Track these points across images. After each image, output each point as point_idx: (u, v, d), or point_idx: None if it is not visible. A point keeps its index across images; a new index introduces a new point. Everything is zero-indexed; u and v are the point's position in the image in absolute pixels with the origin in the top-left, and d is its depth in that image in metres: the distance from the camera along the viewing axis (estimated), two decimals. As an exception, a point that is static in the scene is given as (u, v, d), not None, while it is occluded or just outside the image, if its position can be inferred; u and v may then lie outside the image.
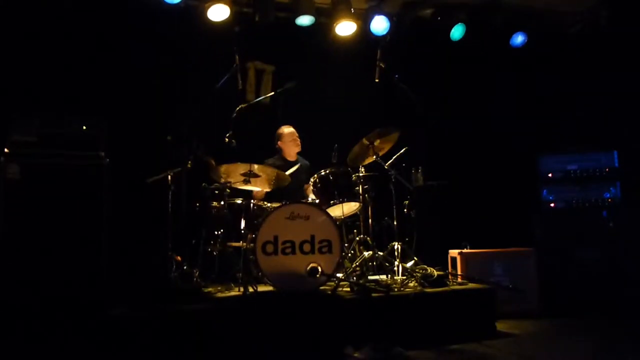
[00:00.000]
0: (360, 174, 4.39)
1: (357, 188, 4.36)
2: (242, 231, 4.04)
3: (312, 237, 3.83)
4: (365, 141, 4.40)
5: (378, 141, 4.44)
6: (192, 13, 5.14)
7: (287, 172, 4.40)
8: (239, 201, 4.21)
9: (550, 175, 5.13)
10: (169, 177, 4.26)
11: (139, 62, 5.11)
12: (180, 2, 4.97)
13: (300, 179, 4.92)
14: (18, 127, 3.46)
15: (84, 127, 3.59)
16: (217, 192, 4.23)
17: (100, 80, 4.96)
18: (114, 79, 5.01)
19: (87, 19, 4.91)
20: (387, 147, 4.54)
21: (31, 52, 4.72)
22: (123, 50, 5.10)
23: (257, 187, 4.32)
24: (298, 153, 5.13)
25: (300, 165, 4.90)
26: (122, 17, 5.04)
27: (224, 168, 3.98)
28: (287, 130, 5.12)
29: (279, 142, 5.13)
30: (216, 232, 4.08)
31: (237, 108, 4.35)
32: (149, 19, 5.08)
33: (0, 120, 3.57)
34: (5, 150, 3.41)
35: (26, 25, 4.75)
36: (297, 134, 5.10)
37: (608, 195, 4.99)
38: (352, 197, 4.35)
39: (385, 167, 4.40)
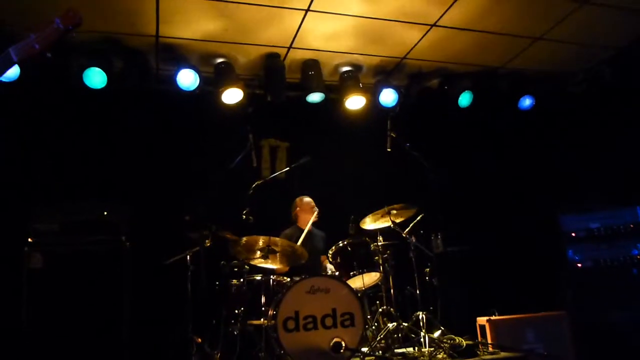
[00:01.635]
0: (379, 243, 4.41)
1: (377, 258, 4.37)
2: (263, 308, 4.02)
3: (334, 310, 3.80)
4: (378, 214, 4.51)
5: (395, 212, 4.51)
6: (208, 98, 5.35)
7: (299, 241, 4.42)
8: (258, 277, 4.21)
9: (573, 234, 5.05)
10: (188, 257, 4.30)
11: (158, 147, 5.30)
12: (196, 89, 5.19)
13: (316, 250, 4.94)
14: (40, 216, 3.60)
15: (105, 213, 3.69)
16: (236, 269, 4.24)
17: (121, 166, 5.12)
18: (134, 164, 5.18)
19: (107, 107, 5.11)
20: (404, 217, 4.60)
21: (52, 142, 4.91)
22: (142, 137, 5.29)
23: (275, 265, 4.29)
24: (314, 224, 5.12)
25: (312, 232, 4.92)
26: (140, 105, 5.25)
27: (244, 240, 4.02)
28: (305, 199, 5.17)
29: (295, 210, 5.17)
30: (236, 311, 4.06)
31: (254, 185, 4.42)
32: (167, 106, 5.31)
33: (24, 210, 3.72)
34: (29, 239, 3.53)
35: (46, 114, 4.93)
36: (314, 203, 5.12)
37: (636, 252, 4.88)
38: (372, 267, 4.35)
39: (404, 235, 4.41)
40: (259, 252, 4.15)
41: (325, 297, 3.83)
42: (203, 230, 4.19)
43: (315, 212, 4.96)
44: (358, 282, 4.33)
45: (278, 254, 4.18)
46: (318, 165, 4.96)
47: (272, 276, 4.21)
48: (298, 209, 5.16)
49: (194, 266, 4.28)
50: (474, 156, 6.08)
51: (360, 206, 4.66)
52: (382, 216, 4.58)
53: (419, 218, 4.58)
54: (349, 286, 3.93)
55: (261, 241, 4.08)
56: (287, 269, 4.65)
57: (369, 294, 4.59)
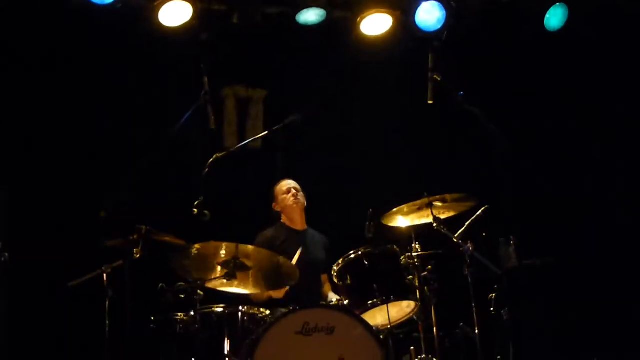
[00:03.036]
0: (415, 254, 4.46)
1: (411, 277, 4.41)
2: (227, 359, 4.06)
3: None
4: (413, 208, 4.61)
5: (439, 204, 4.58)
6: (136, 17, 5.29)
7: (293, 261, 4.51)
8: (219, 309, 4.24)
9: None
10: (105, 276, 4.29)
11: (53, 100, 5.33)
12: (117, 1, 5.15)
13: (314, 264, 5.05)
14: None
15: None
16: (182, 296, 4.18)
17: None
18: (12, 126, 5.22)
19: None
20: (454, 212, 4.67)
21: None
22: (27, 80, 5.33)
23: (247, 289, 4.33)
24: (311, 225, 5.30)
25: (308, 235, 5.12)
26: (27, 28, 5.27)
27: (195, 249, 4.05)
28: (281, 182, 5.33)
29: (275, 204, 5.36)
30: None
31: (211, 159, 4.40)
32: (67, 30, 5.36)
33: None
34: None
35: None
36: (296, 186, 5.29)
37: None
38: (404, 293, 4.41)
39: (455, 241, 4.41)
40: (220, 269, 4.12)
41: (327, 341, 3.84)
42: (129, 233, 4.23)
43: (293, 199, 5.16)
44: (380, 316, 4.37)
45: (251, 271, 4.16)
46: (315, 128, 5.05)
47: (241, 307, 4.24)
48: (276, 196, 5.34)
49: (115, 291, 4.31)
50: (568, 119, 6.07)
51: (383, 195, 4.72)
52: (419, 211, 4.63)
53: (479, 214, 4.57)
54: (365, 323, 3.96)
55: (224, 250, 4.05)
56: (265, 295, 4.73)
57: (399, 336, 4.62)
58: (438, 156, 5.75)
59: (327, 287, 5.09)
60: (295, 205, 5.24)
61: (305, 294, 4.71)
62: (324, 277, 5.10)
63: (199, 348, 4.09)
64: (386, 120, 5.82)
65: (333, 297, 4.69)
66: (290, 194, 5.24)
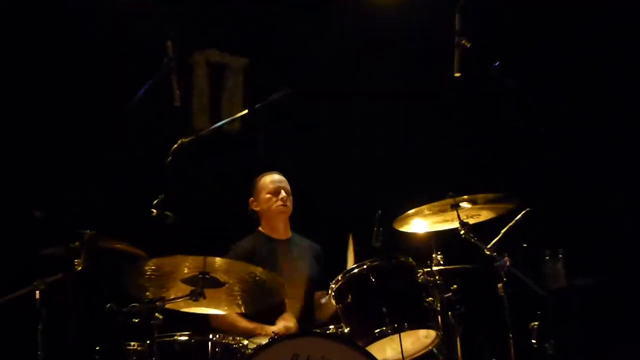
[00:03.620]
0: (436, 268, 4.48)
1: (430, 299, 4.36)
2: None
3: None
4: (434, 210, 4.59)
5: (467, 206, 4.58)
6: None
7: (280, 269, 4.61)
8: (183, 338, 4.22)
9: None
10: (38, 294, 4.21)
11: None
12: None
13: (304, 280, 5.14)
14: None
15: None
16: (136, 320, 4.08)
17: None
18: None
19: None
20: (486, 215, 4.69)
21: None
22: None
23: (219, 310, 4.34)
24: (296, 229, 5.35)
25: (295, 244, 5.24)
26: None
27: (153, 263, 3.95)
28: (265, 177, 5.34)
29: (252, 201, 5.35)
30: None
31: (174, 147, 4.37)
32: None
33: None
34: None
35: None
36: (287, 187, 5.29)
37: None
38: (420, 319, 4.33)
39: (487, 253, 4.35)
40: (184, 286, 4.03)
41: None
42: (70, 239, 4.20)
43: (281, 205, 5.19)
44: (391, 349, 4.32)
45: (224, 288, 4.09)
46: (308, 106, 5.05)
47: (211, 335, 4.23)
48: (256, 202, 5.34)
49: (51, 312, 4.26)
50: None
51: (395, 193, 4.73)
52: (442, 213, 4.63)
53: (519, 219, 4.57)
54: (369, 356, 3.88)
55: (189, 263, 3.95)
56: (220, 324, 4.74)
57: None
58: (466, 145, 5.71)
59: (325, 308, 5.01)
60: (282, 214, 5.24)
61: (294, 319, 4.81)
62: (319, 294, 5.07)
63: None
64: (399, 99, 5.84)
65: (322, 298, 4.81)
66: (278, 197, 5.21)
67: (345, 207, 5.15)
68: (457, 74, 4.52)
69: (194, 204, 4.45)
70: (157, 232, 4.15)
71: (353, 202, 4.88)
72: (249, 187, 5.35)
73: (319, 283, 5.06)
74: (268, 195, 5.23)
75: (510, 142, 5.12)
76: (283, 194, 5.19)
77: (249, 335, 4.62)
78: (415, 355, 4.47)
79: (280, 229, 5.27)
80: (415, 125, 5.79)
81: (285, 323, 4.74)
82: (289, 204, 5.22)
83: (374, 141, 5.80)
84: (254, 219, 5.32)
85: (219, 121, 5.00)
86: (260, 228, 5.29)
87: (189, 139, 4.42)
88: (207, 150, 4.68)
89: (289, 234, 5.31)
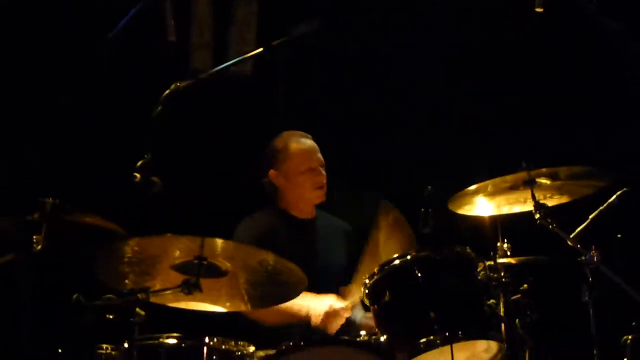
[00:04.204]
0: (500, 261, 4.45)
1: (493, 301, 4.33)
2: None
3: None
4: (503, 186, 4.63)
5: (547, 182, 4.54)
6: None
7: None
8: (171, 340, 4.18)
9: None
10: None
11: None
12: None
13: (329, 268, 5.22)
14: None
15: None
16: (111, 315, 3.93)
17: None
18: None
19: None
20: (568, 196, 4.70)
21: None
22: None
23: (220, 305, 4.32)
24: (323, 206, 5.42)
25: (320, 223, 5.34)
26: None
27: (135, 244, 3.91)
28: (296, 144, 5.34)
29: (274, 174, 5.33)
30: None
31: (165, 93, 4.26)
32: None
33: None
34: None
35: None
36: (319, 153, 5.34)
37: None
38: (479, 327, 4.31)
39: (570, 244, 4.35)
40: (174, 275, 3.97)
41: None
42: (27, 210, 4.11)
43: (320, 190, 5.26)
44: None
45: (225, 279, 4.06)
46: (341, 45, 5.06)
47: (207, 339, 4.17)
48: (278, 172, 5.33)
49: (1, 303, 4.49)
50: None
51: (450, 165, 4.82)
52: (512, 191, 4.67)
53: (612, 201, 4.58)
54: None
55: (182, 245, 3.89)
56: (257, 315, 4.82)
57: None
58: (545, 107, 5.66)
59: (353, 303, 4.97)
60: (318, 199, 5.29)
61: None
62: (348, 288, 4.97)
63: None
64: (456, 42, 5.83)
65: (359, 322, 4.81)
66: (315, 179, 5.24)
67: (384, 180, 5.14)
68: (539, 9, 4.42)
69: (189, 169, 4.22)
70: (141, 203, 4.11)
71: (395, 174, 4.64)
72: (264, 150, 5.36)
73: (346, 276, 5.04)
74: (302, 177, 5.26)
75: (604, 101, 4.90)
76: (323, 172, 5.23)
77: (286, 320, 4.79)
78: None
79: (308, 208, 5.31)
80: (478, 77, 5.81)
81: (333, 303, 4.73)
82: (324, 180, 5.20)
83: (424, 94, 5.79)
84: (270, 192, 5.34)
85: (225, 61, 4.95)
86: (280, 204, 5.32)
87: (186, 83, 4.32)
88: (208, 98, 4.69)
89: (314, 212, 5.33)
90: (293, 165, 5.25)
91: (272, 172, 5.29)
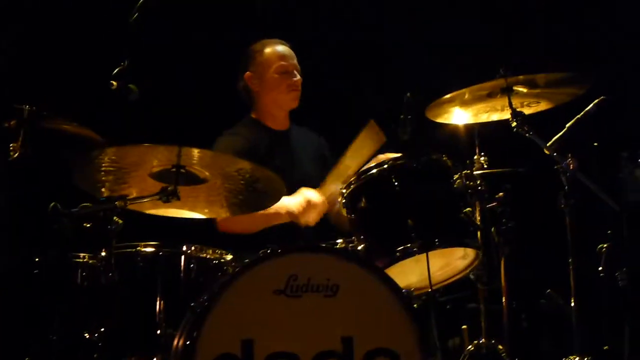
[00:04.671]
0: (477, 171, 4.47)
1: (469, 209, 4.34)
2: (159, 331, 4.07)
3: (348, 341, 3.76)
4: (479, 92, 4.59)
5: (523, 89, 4.54)
6: None
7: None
8: (148, 249, 4.23)
9: None
10: None
11: None
12: None
13: (305, 178, 5.15)
14: None
15: None
16: (89, 224, 3.98)
17: None
18: None
19: None
20: (546, 103, 4.68)
21: None
22: None
23: (199, 212, 4.37)
24: (295, 111, 5.38)
25: (295, 134, 5.35)
26: None
27: (112, 152, 3.91)
28: (273, 47, 5.31)
29: (249, 75, 5.32)
30: (87, 334, 4.07)
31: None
32: None
33: None
34: None
35: None
36: (294, 58, 5.31)
37: None
38: (455, 235, 4.33)
39: (547, 152, 4.36)
40: (152, 183, 4.04)
41: (325, 308, 3.78)
42: (2, 117, 4.13)
43: (294, 91, 5.24)
44: (416, 272, 4.32)
45: (203, 187, 4.12)
46: None
47: (185, 247, 4.23)
48: (252, 78, 5.33)
49: None
50: None
51: (428, 71, 4.76)
52: (489, 99, 4.64)
53: (590, 109, 4.54)
54: (389, 283, 3.88)
55: (159, 154, 3.93)
56: (230, 224, 4.84)
57: (444, 306, 4.82)
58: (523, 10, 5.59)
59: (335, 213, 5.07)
60: (293, 102, 5.27)
61: (292, 229, 4.80)
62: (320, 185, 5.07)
63: (112, 310, 4.05)
64: None
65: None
66: (290, 80, 5.22)
67: (360, 89, 5.11)
68: None
69: (166, 76, 4.18)
70: (118, 111, 4.09)
71: (372, 82, 4.61)
72: (242, 56, 5.31)
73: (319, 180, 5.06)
74: (275, 76, 5.23)
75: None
76: (297, 75, 5.22)
77: (268, 222, 4.79)
78: (448, 282, 4.52)
79: (281, 118, 5.34)
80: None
81: (309, 196, 4.75)
82: (298, 83, 5.19)
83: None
84: (246, 98, 5.32)
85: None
86: (253, 114, 5.33)
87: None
88: (185, 2, 4.54)
89: (288, 124, 5.38)
90: (267, 65, 5.24)
91: (247, 73, 5.29)
